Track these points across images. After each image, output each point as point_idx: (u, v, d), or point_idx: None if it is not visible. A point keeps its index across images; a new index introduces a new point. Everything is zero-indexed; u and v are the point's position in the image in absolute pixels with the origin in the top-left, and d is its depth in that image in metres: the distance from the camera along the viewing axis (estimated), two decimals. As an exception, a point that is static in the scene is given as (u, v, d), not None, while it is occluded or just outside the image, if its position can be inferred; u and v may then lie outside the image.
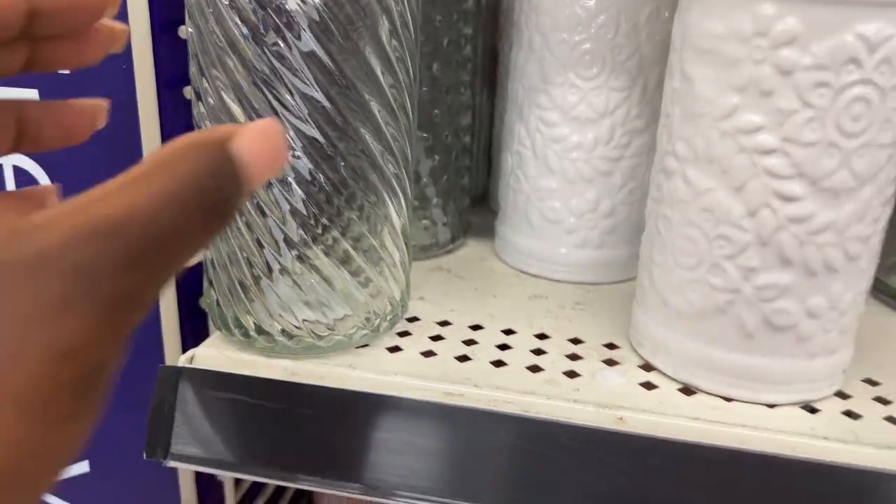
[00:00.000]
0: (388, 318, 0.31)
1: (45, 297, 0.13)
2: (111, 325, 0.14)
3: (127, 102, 0.32)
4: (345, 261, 0.29)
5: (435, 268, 0.40)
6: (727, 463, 0.27)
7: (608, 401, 0.28)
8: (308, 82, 0.26)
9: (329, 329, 0.30)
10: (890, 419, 0.28)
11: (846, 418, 0.28)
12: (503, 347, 0.32)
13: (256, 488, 0.45)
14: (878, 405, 0.29)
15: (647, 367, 0.31)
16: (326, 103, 0.26)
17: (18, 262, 0.13)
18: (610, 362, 0.31)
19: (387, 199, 0.29)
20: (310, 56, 0.26)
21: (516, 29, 0.37)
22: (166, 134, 0.34)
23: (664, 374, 0.30)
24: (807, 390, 0.29)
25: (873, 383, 0.31)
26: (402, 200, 0.30)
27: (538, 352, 0.32)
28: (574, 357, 0.32)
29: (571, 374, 0.30)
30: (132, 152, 0.33)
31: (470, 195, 0.44)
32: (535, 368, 0.31)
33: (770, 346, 0.28)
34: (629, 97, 0.35)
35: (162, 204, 0.14)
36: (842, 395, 0.30)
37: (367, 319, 0.30)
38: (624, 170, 0.37)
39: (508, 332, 0.34)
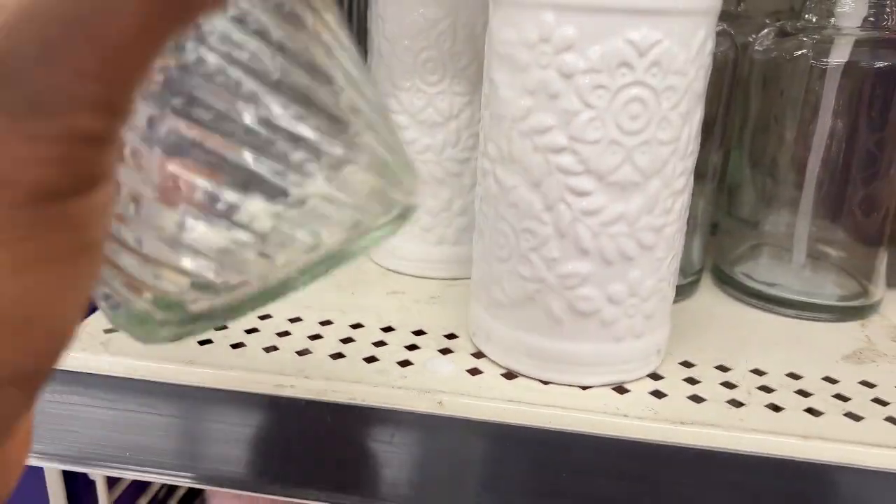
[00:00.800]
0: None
1: None
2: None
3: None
4: None
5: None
6: (539, 441, 0.29)
7: (432, 387, 0.30)
8: None
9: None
10: (693, 398, 0.30)
11: (651, 397, 0.30)
12: (346, 341, 0.34)
13: (138, 489, 0.46)
14: (686, 385, 0.31)
15: (479, 354, 0.33)
16: None
17: None
18: (445, 351, 0.33)
19: None
20: None
21: (369, 36, 0.39)
22: None
23: (492, 361, 0.32)
24: (618, 372, 0.31)
25: (689, 365, 0.33)
26: None
27: (380, 343, 0.34)
28: (413, 347, 0.33)
29: (404, 364, 0.32)
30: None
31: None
32: (371, 359, 0.32)
33: (578, 332, 0.30)
34: (472, 102, 0.37)
35: None
36: (655, 376, 0.32)
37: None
38: (472, 171, 0.38)
39: (356, 325, 0.35)
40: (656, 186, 0.28)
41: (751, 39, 0.39)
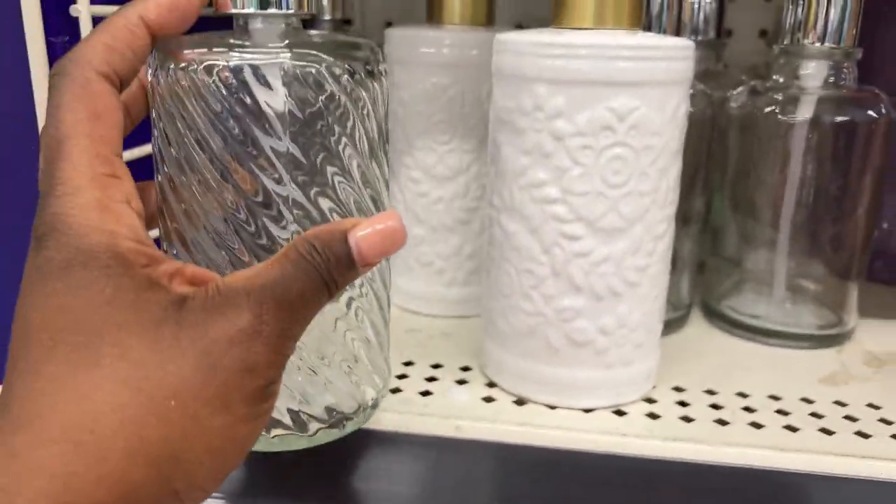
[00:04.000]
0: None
1: (242, 325, 0.20)
2: (280, 352, 0.21)
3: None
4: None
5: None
6: (547, 460, 0.33)
7: (451, 413, 0.34)
8: (280, 179, 0.27)
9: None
10: (684, 418, 0.34)
11: (647, 418, 0.34)
12: (371, 374, 0.38)
13: None
14: (678, 407, 0.35)
15: (491, 384, 0.37)
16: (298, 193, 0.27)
17: (218, 305, 0.20)
18: (461, 382, 0.37)
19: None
20: (283, 154, 0.26)
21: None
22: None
23: (503, 390, 0.36)
24: (615, 396, 0.34)
25: (680, 390, 0.37)
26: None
27: (402, 377, 0.37)
28: (432, 379, 0.37)
29: (425, 394, 0.36)
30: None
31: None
32: (395, 390, 0.36)
33: (575, 360, 0.33)
34: (479, 157, 0.42)
35: (296, 271, 0.21)
36: (650, 399, 0.36)
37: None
38: (480, 219, 0.43)
39: (379, 361, 0.39)
40: (639, 231, 0.32)
41: (730, 95, 0.44)
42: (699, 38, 0.50)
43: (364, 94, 0.28)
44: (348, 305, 0.30)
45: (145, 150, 0.32)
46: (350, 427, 0.30)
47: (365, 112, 0.29)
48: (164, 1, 0.24)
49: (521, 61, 0.31)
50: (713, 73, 0.51)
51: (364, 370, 0.31)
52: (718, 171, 0.44)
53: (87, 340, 0.19)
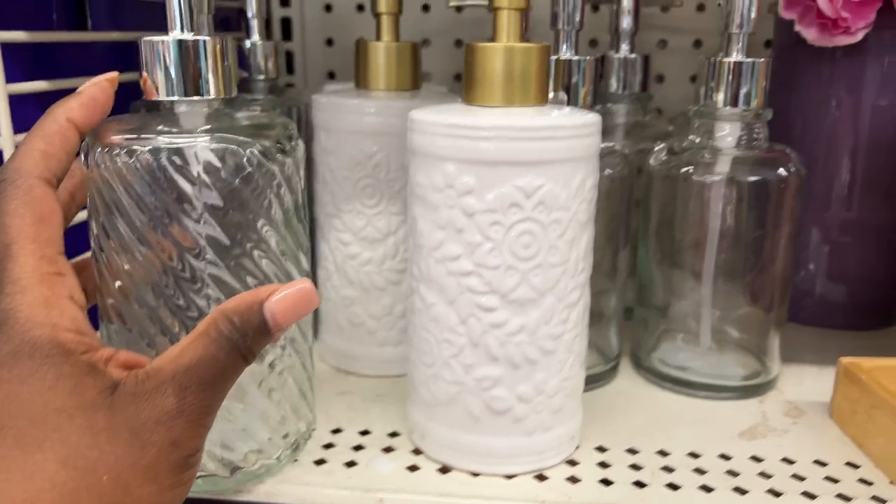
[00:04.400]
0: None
1: (167, 408, 0.23)
2: (202, 425, 0.23)
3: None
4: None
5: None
6: (467, 529, 0.33)
7: (374, 486, 0.34)
8: (206, 258, 0.29)
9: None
10: (603, 481, 0.35)
11: (567, 483, 0.34)
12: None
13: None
14: (599, 469, 0.36)
15: (417, 451, 0.37)
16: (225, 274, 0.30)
17: (147, 390, 0.23)
18: (388, 449, 0.37)
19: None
20: (203, 232, 0.29)
21: (314, 165, 0.44)
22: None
23: (428, 457, 0.36)
24: (536, 461, 0.35)
25: (603, 450, 0.37)
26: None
27: (329, 446, 0.37)
28: (358, 448, 0.37)
29: (350, 464, 0.36)
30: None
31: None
32: (320, 462, 0.36)
33: (495, 427, 0.34)
34: (407, 220, 0.42)
35: (216, 349, 0.23)
36: (572, 462, 0.36)
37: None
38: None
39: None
40: (551, 301, 0.33)
41: (652, 152, 0.45)
42: (626, 90, 0.52)
43: (277, 169, 0.31)
44: (271, 367, 0.33)
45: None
46: (272, 470, 0.34)
47: (279, 187, 0.31)
48: (85, 100, 0.27)
49: (431, 141, 0.32)
50: (640, 124, 0.53)
51: (289, 419, 0.34)
52: (643, 223, 0.45)
53: (32, 425, 0.22)
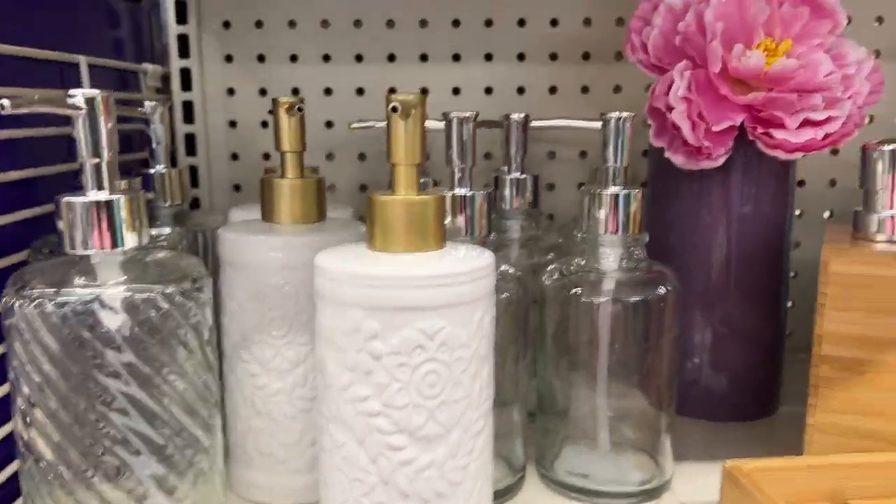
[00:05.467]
0: None
1: None
2: None
3: None
4: None
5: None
6: None
7: None
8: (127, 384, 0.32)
9: None
10: None
11: None
12: (209, 588, 0.37)
13: None
14: (509, 591, 0.37)
15: (331, 587, 0.37)
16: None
17: None
18: (301, 587, 0.37)
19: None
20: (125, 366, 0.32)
21: (220, 297, 0.45)
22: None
23: (343, 593, 0.36)
24: (449, 591, 0.36)
25: (513, 569, 0.39)
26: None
27: (241, 587, 0.37)
28: (271, 587, 0.37)
29: None
30: None
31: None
32: None
33: (408, 562, 0.35)
34: (314, 351, 0.43)
35: None
36: (484, 586, 0.37)
37: None
38: (320, 406, 0.44)
39: (219, 570, 0.38)
40: (457, 435, 0.34)
41: (545, 271, 0.48)
42: (518, 208, 0.56)
43: (187, 312, 0.35)
44: None
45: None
46: None
47: (194, 319, 0.35)
48: None
49: (338, 288, 0.34)
50: (534, 237, 0.57)
51: None
52: (539, 334, 0.48)
53: None
